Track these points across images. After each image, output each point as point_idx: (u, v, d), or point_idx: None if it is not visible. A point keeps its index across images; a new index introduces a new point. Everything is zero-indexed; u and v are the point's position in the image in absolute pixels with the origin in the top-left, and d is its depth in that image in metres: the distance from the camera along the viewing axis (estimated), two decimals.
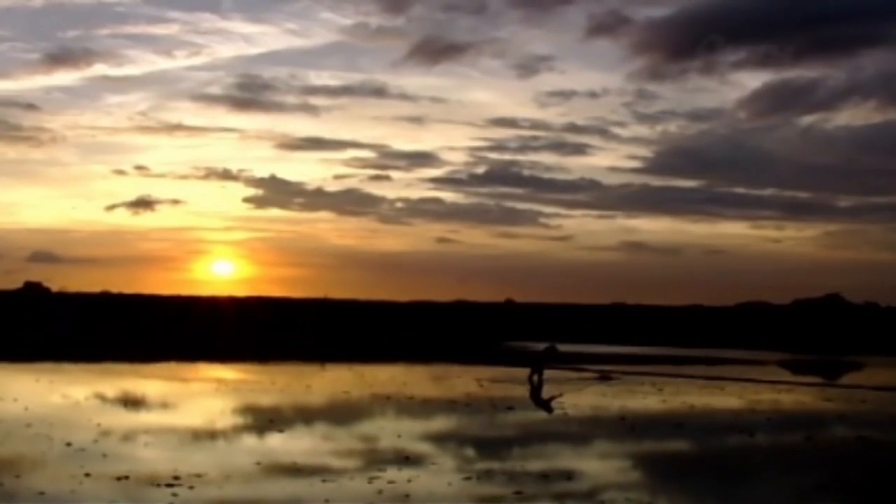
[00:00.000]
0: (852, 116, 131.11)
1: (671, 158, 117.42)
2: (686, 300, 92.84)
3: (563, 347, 33.24)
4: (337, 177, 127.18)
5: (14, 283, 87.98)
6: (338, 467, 14.32)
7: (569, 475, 14.17)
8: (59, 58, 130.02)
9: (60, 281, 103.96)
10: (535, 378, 29.56)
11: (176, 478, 12.98)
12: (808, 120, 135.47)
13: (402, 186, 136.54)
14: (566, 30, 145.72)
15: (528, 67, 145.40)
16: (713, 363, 41.40)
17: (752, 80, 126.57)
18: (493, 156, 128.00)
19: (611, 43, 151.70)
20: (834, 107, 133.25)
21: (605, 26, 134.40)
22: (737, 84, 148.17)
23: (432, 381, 30.89)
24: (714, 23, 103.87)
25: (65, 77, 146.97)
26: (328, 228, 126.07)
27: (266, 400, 24.01)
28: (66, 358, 37.31)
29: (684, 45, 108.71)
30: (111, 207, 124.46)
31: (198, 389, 27.51)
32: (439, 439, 17.82)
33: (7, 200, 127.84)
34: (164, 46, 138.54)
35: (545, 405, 24.26)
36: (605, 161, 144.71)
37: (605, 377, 31.21)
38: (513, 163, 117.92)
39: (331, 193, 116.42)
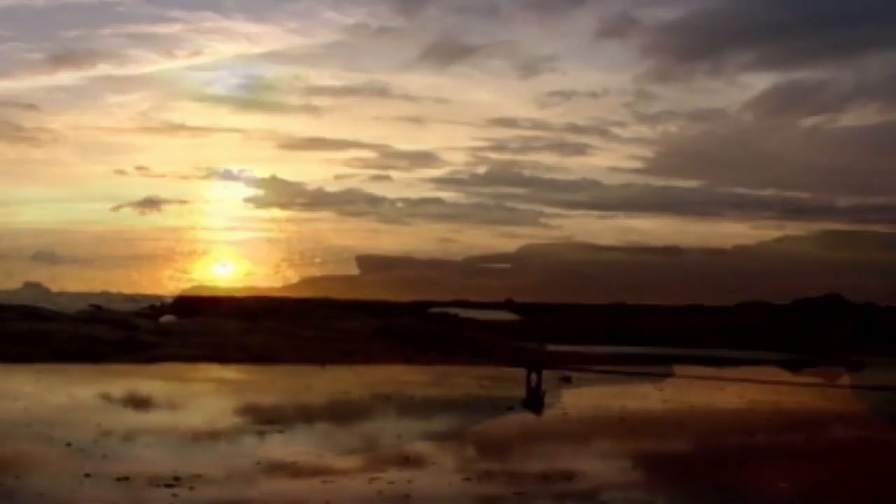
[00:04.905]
0: (857, 118, 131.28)
1: (672, 159, 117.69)
2: (686, 300, 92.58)
3: (563, 348, 33.17)
4: (338, 177, 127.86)
5: (16, 283, 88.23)
6: (338, 468, 14.31)
7: (569, 475, 14.17)
8: (61, 57, 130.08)
9: (61, 281, 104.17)
10: (534, 378, 29.48)
11: (176, 478, 12.96)
12: (812, 121, 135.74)
13: (403, 186, 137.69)
14: (574, 32, 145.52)
15: (529, 68, 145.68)
16: (713, 363, 41.38)
17: (759, 82, 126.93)
18: (494, 156, 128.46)
19: (618, 44, 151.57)
20: (839, 108, 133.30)
21: (614, 28, 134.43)
22: (742, 85, 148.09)
23: (432, 381, 30.87)
24: (722, 25, 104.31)
25: (66, 77, 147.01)
26: (329, 228, 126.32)
27: (266, 400, 24.00)
28: (66, 358, 37.26)
29: (692, 47, 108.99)
30: (112, 208, 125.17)
31: (198, 390, 27.49)
32: (439, 439, 17.81)
33: (8, 200, 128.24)
34: (165, 46, 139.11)
35: (536, 406, 24.14)
36: (606, 161, 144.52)
37: None
38: (513, 163, 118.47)
39: (332, 193, 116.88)
